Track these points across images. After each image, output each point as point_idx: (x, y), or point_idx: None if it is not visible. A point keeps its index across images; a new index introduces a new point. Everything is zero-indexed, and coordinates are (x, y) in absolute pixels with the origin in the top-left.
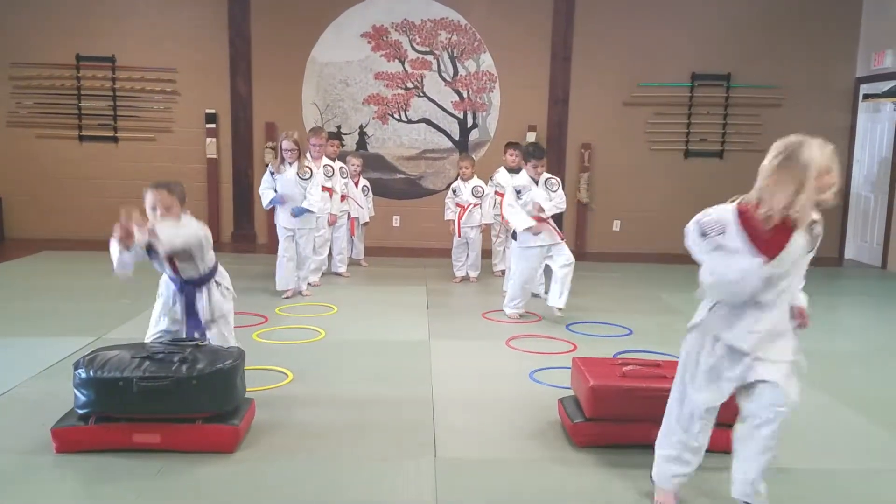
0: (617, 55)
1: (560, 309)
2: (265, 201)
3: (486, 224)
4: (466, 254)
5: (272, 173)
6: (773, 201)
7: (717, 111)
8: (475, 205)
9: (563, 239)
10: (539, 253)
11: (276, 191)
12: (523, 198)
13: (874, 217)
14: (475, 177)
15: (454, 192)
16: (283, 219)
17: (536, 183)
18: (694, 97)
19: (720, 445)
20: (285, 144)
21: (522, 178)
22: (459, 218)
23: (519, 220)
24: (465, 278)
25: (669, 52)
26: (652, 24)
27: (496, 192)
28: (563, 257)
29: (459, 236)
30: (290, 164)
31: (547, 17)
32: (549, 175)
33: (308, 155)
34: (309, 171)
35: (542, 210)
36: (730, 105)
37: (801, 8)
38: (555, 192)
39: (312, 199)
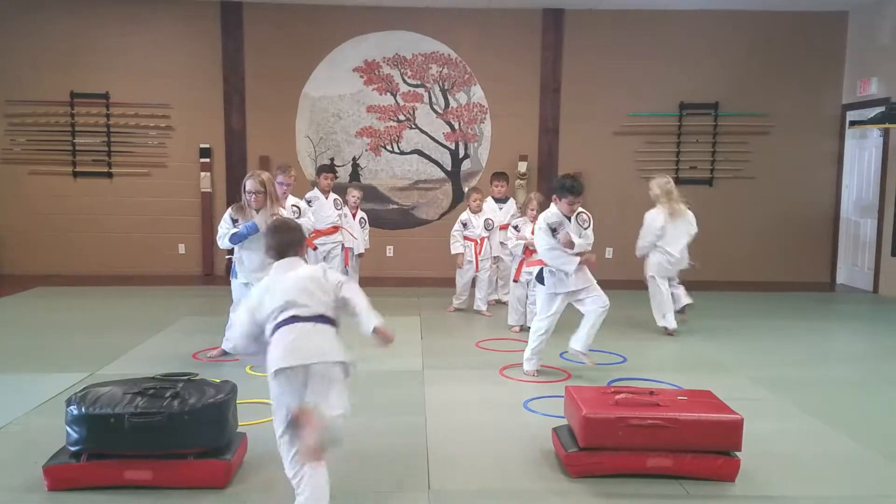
0: (606, 86)
1: (583, 353)
2: (225, 241)
3: (495, 256)
4: (472, 285)
5: (234, 220)
6: None
7: (706, 139)
8: (486, 237)
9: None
10: (564, 299)
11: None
12: (559, 236)
13: (864, 242)
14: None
15: (464, 224)
16: (248, 263)
17: (569, 219)
18: (683, 126)
19: (707, 472)
20: (249, 185)
21: (554, 214)
22: (477, 253)
23: (564, 261)
24: (461, 309)
25: (658, 82)
26: (640, 54)
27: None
28: (597, 301)
29: (477, 270)
30: (257, 210)
31: (536, 50)
32: (582, 210)
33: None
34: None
35: (570, 245)
36: (718, 133)
37: (787, 37)
38: (586, 228)
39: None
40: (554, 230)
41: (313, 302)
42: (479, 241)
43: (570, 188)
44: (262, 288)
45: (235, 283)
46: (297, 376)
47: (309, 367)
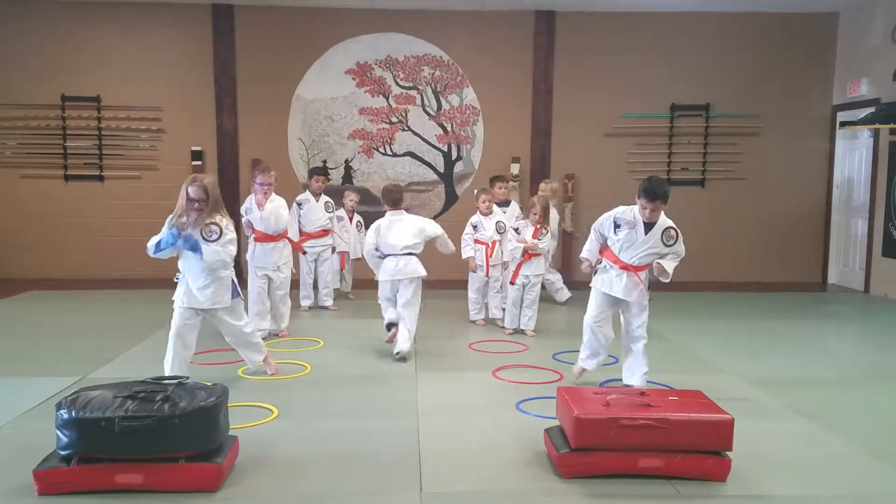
0: (598, 87)
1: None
2: (149, 249)
3: (505, 262)
4: (485, 294)
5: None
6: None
7: (698, 140)
8: (497, 241)
9: (649, 299)
10: (608, 300)
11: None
12: (620, 234)
13: (855, 241)
14: (495, 210)
15: (474, 227)
16: (192, 281)
17: (647, 228)
18: (674, 127)
19: (695, 472)
20: (191, 191)
21: (629, 212)
22: (488, 256)
23: (589, 248)
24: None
25: (649, 84)
26: (631, 56)
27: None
28: (631, 325)
29: (488, 274)
30: (195, 219)
31: (528, 52)
32: (671, 224)
33: (253, 191)
34: (218, 229)
35: (664, 272)
36: (709, 134)
37: (777, 38)
38: (670, 245)
39: (214, 250)
40: (618, 226)
41: (411, 243)
42: (490, 245)
43: (642, 189)
44: (379, 227)
45: (178, 309)
46: (395, 283)
47: (401, 280)
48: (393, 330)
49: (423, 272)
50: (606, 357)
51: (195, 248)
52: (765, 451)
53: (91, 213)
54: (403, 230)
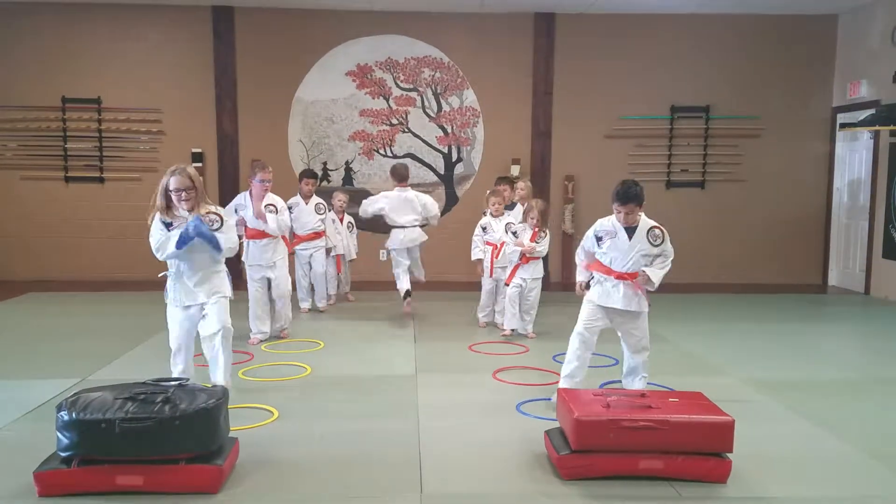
0: (598, 89)
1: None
2: (170, 247)
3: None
4: (495, 298)
5: (167, 224)
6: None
7: (698, 142)
8: (505, 242)
9: (648, 305)
10: (601, 310)
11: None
12: (604, 247)
13: (855, 243)
14: (505, 212)
15: (484, 229)
16: (188, 278)
17: (630, 233)
18: (674, 129)
19: (696, 473)
20: (174, 182)
21: (608, 222)
22: (493, 257)
23: (578, 271)
24: (494, 325)
25: (649, 86)
26: (631, 58)
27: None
28: (633, 338)
29: (492, 276)
30: (189, 210)
31: (528, 54)
32: (654, 224)
33: (249, 192)
34: (218, 218)
35: (649, 281)
36: (709, 136)
37: (777, 40)
38: (658, 245)
39: (227, 238)
40: (599, 238)
41: (416, 215)
42: (498, 246)
43: (614, 193)
44: (385, 198)
45: (171, 311)
46: (405, 249)
47: (410, 246)
48: (408, 299)
49: (425, 237)
50: (584, 379)
51: (212, 240)
52: (765, 453)
53: (91, 215)
54: (411, 206)
